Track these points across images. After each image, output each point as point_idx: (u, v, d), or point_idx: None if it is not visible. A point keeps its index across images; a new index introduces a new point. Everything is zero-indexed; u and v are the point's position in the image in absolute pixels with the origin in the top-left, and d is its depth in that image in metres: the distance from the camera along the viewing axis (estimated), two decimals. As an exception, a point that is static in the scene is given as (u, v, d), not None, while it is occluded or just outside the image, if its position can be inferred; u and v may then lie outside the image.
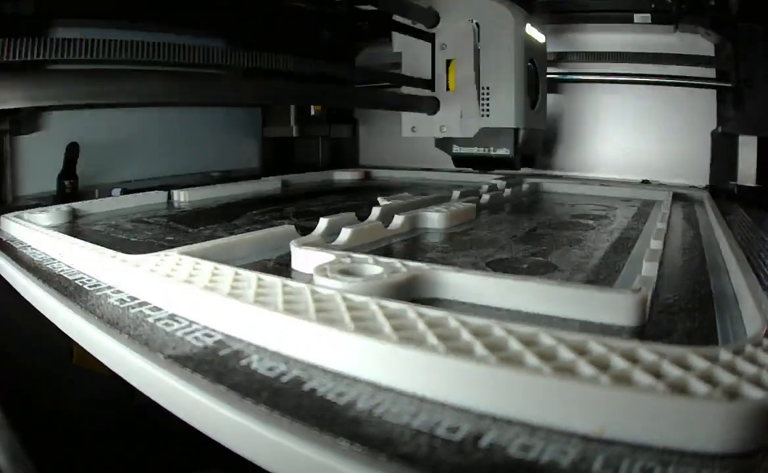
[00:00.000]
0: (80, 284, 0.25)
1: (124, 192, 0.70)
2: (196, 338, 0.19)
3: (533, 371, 0.14)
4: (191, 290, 0.21)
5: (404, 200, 0.42)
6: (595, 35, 0.78)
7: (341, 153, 0.95)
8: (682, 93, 0.74)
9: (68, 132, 0.94)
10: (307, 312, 0.18)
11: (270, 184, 0.63)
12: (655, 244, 0.29)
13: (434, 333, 0.16)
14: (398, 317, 0.18)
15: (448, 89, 0.67)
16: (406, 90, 0.68)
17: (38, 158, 0.92)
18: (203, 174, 1.01)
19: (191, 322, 0.20)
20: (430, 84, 0.68)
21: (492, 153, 0.67)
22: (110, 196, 0.72)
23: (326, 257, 0.25)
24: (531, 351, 0.15)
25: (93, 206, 0.45)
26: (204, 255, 0.25)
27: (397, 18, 0.66)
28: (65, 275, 0.26)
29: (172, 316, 0.21)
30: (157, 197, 0.51)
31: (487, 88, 0.66)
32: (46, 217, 0.40)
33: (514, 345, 0.16)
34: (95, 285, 0.24)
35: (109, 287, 0.24)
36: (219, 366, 0.17)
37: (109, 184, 0.93)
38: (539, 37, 0.71)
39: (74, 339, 0.21)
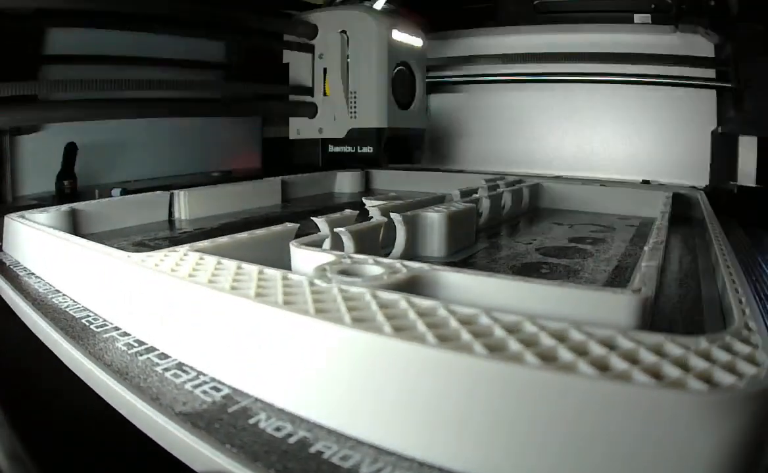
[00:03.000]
0: (86, 324, 0.25)
1: (124, 192, 0.70)
2: (204, 392, 0.19)
3: (527, 364, 0.15)
4: (193, 286, 0.21)
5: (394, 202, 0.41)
6: (596, 35, 0.77)
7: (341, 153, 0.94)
8: (682, 93, 0.74)
9: (68, 132, 0.93)
10: (305, 306, 0.19)
11: (271, 191, 0.63)
12: (655, 243, 0.29)
13: (427, 324, 0.17)
14: (395, 313, 0.18)
15: (324, 95, 0.76)
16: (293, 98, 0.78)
17: (38, 158, 0.92)
18: (203, 174, 1.01)
19: (198, 373, 0.20)
20: (310, 91, 0.77)
21: (358, 151, 0.75)
22: (110, 196, 0.72)
23: (326, 258, 0.25)
24: (530, 350, 0.16)
25: (92, 206, 0.45)
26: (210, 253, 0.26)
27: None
28: (71, 311, 0.26)
29: (179, 365, 0.21)
30: (158, 210, 0.51)
31: (354, 93, 0.74)
32: (45, 217, 0.40)
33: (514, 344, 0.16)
34: (102, 326, 0.25)
35: (116, 328, 0.24)
36: (229, 425, 0.17)
37: (109, 184, 0.93)
38: (414, 42, 0.78)
39: (86, 382, 0.22)
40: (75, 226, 0.43)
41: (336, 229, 0.31)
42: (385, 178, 0.79)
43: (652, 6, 0.73)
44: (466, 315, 0.18)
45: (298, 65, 0.78)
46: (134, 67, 0.77)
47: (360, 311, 0.18)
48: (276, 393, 0.19)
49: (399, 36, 0.74)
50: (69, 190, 0.89)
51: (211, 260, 0.25)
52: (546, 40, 0.79)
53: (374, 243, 0.33)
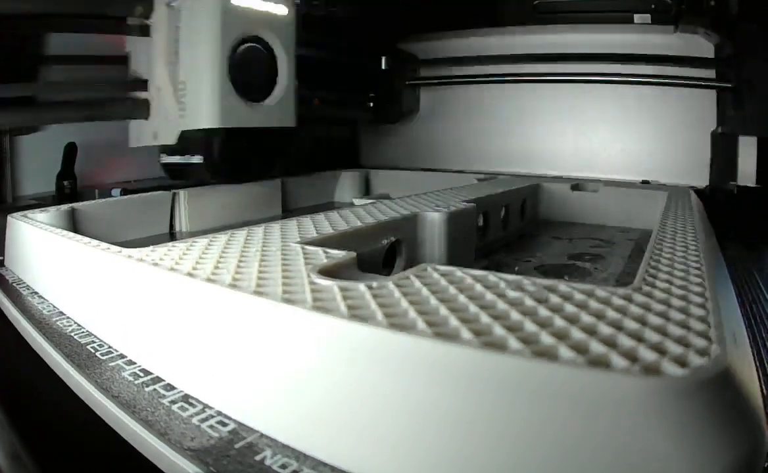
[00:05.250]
0: (92, 351, 0.25)
1: (124, 192, 0.70)
2: (211, 427, 0.19)
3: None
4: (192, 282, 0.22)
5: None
6: (595, 35, 0.77)
7: (341, 153, 0.95)
8: (682, 93, 0.74)
9: (68, 132, 0.93)
10: (304, 300, 0.19)
11: (271, 192, 0.63)
12: (656, 244, 0.29)
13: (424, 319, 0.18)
14: (394, 311, 0.19)
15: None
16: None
17: (38, 158, 0.92)
18: (203, 174, 1.02)
19: (204, 407, 0.20)
20: (144, 84, 0.56)
21: (188, 161, 0.55)
22: (110, 196, 0.72)
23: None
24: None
25: (92, 207, 0.45)
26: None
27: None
28: (75, 336, 0.27)
29: (185, 397, 0.21)
30: (160, 222, 0.51)
31: (184, 83, 0.53)
32: (46, 217, 0.40)
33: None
34: (107, 353, 0.25)
35: (121, 356, 0.24)
36: (237, 462, 0.18)
37: (109, 184, 0.93)
38: (273, 8, 0.56)
39: (96, 411, 0.22)
40: (75, 227, 0.42)
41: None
42: (385, 180, 0.79)
43: (652, 6, 0.73)
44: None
45: (138, 54, 0.58)
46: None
47: (359, 309, 0.19)
48: (279, 427, 0.19)
49: (250, 2, 0.54)
50: (69, 190, 0.89)
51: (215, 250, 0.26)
52: (546, 40, 0.79)
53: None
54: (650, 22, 0.73)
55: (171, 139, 0.54)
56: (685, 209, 0.41)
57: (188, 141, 0.54)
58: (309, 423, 0.18)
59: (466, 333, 0.16)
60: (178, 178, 0.58)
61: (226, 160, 0.55)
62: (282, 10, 0.58)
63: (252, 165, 0.59)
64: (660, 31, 0.74)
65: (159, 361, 0.23)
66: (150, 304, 0.24)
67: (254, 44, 0.55)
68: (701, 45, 0.73)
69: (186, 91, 0.53)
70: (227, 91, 0.53)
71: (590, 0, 0.77)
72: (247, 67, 0.55)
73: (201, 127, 0.53)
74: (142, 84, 0.57)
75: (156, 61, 0.54)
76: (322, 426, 0.18)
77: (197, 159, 0.54)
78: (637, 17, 0.74)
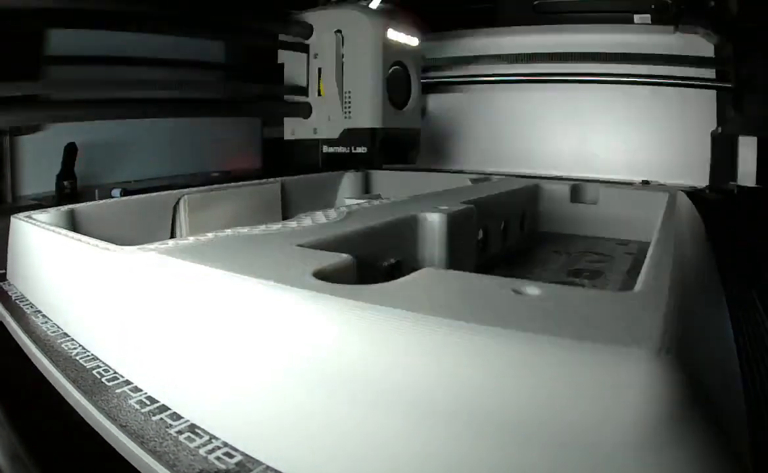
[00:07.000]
0: (98, 376, 0.25)
1: (125, 192, 0.70)
2: (218, 458, 0.20)
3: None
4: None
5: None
6: (596, 36, 0.77)
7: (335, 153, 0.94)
8: (682, 93, 0.74)
9: (68, 132, 0.93)
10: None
11: (271, 192, 0.63)
12: (658, 245, 0.29)
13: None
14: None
15: (319, 94, 0.75)
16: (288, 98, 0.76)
17: (38, 158, 0.92)
18: (203, 174, 1.01)
19: (211, 437, 0.21)
20: (305, 91, 0.76)
21: (352, 151, 0.76)
22: (110, 196, 0.72)
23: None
24: None
25: (92, 209, 0.45)
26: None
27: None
28: (80, 360, 0.27)
29: (191, 427, 0.21)
30: (161, 224, 0.51)
31: (349, 93, 0.73)
32: (46, 217, 0.40)
33: None
34: (113, 379, 0.25)
35: (127, 382, 0.25)
36: (243, 497, 0.18)
37: (109, 184, 0.93)
38: (410, 41, 0.77)
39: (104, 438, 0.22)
40: (75, 229, 0.42)
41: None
42: (384, 181, 0.79)
43: (652, 6, 0.72)
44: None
45: (292, 65, 0.77)
46: (132, 68, 0.77)
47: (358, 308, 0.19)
48: (283, 459, 0.19)
49: (394, 35, 0.74)
50: (69, 190, 0.89)
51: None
52: (546, 40, 0.79)
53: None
54: (650, 22, 0.73)
55: (334, 134, 0.75)
56: (681, 218, 0.41)
57: (349, 136, 0.75)
58: (311, 455, 0.19)
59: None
60: (336, 165, 0.76)
61: (382, 150, 0.76)
62: (414, 42, 0.78)
63: (398, 155, 0.81)
64: (660, 31, 0.74)
65: (164, 387, 0.23)
66: (149, 308, 0.25)
67: (398, 67, 0.76)
68: (701, 45, 0.73)
69: (351, 100, 0.73)
70: (385, 101, 0.74)
71: (590, 0, 0.77)
72: (395, 84, 0.76)
73: (364, 126, 0.73)
74: (301, 90, 0.76)
75: (322, 74, 0.75)
76: (325, 459, 0.18)
77: (362, 149, 0.76)
78: (637, 17, 0.73)
